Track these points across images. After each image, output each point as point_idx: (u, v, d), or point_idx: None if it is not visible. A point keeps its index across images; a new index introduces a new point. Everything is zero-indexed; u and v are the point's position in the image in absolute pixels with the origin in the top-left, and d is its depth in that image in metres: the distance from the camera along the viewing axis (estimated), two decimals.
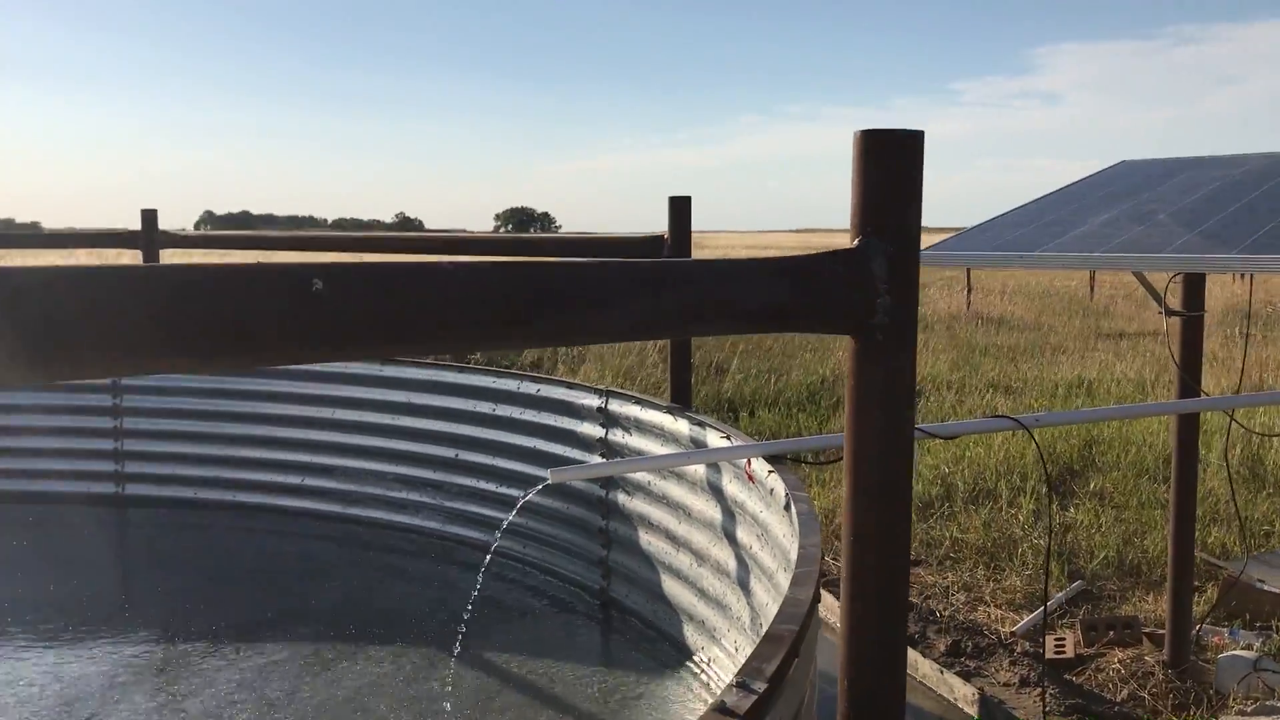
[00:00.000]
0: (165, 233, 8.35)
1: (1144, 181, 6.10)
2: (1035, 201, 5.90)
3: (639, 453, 5.91)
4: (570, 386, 6.58)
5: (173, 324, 1.24)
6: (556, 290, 1.52)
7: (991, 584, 7.02)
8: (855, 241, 2.01)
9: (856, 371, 2.03)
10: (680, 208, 5.88)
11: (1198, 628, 5.85)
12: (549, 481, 4.56)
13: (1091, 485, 9.15)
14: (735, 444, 4.69)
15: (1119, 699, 5.34)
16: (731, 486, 4.91)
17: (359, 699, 5.24)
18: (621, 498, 6.09)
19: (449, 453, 7.37)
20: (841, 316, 1.96)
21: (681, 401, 5.94)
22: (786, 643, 2.32)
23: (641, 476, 5.83)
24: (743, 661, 4.81)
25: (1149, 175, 6.27)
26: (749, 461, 4.50)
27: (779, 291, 1.83)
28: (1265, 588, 6.35)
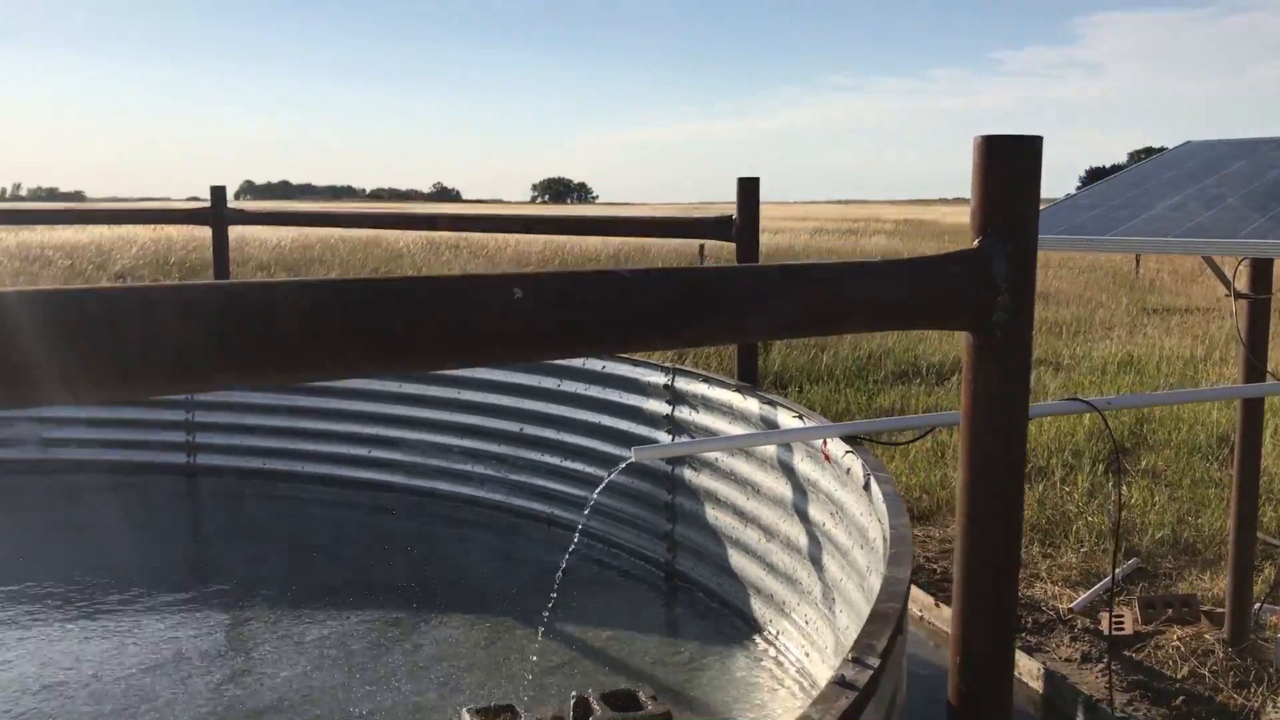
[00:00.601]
0: (234, 209, 8.53)
1: (1210, 163, 6.13)
2: (1102, 183, 5.95)
3: (707, 430, 6.04)
4: (635, 363, 6.71)
5: (392, 333, 1.38)
6: (723, 294, 1.64)
7: (1047, 561, 7.11)
8: (976, 242, 2.12)
9: (975, 366, 2.14)
10: (748, 189, 5.98)
11: (1257, 606, 5.92)
12: (631, 460, 4.70)
13: (1144, 463, 9.19)
14: (815, 424, 4.81)
15: (1180, 676, 5.44)
16: (804, 465, 5.03)
17: (441, 662, 5.44)
18: (688, 474, 6.22)
19: (514, 427, 7.54)
20: (964, 314, 2.07)
21: (748, 379, 6.06)
22: (893, 620, 2.45)
23: (709, 454, 5.96)
24: (813, 635, 4.94)
25: (1215, 156, 6.29)
26: (825, 441, 4.61)
27: (911, 290, 1.94)
28: None
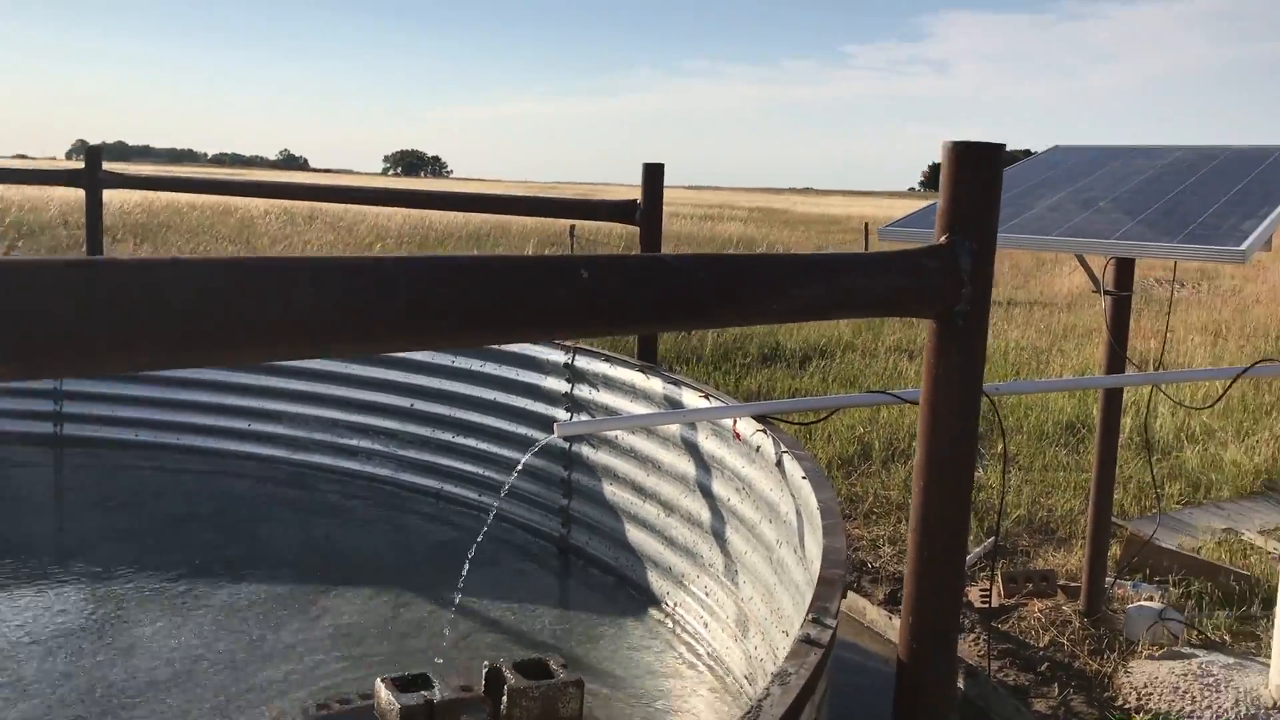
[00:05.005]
0: (110, 172, 8.24)
1: (1078, 168, 6.57)
2: None
3: (607, 409, 6.17)
4: (535, 341, 6.77)
5: (471, 307, 1.48)
6: (753, 279, 1.79)
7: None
8: (944, 239, 2.32)
9: (938, 351, 2.34)
10: (653, 174, 6.13)
11: (1109, 580, 6.40)
12: (555, 437, 4.81)
13: (998, 448, 9.73)
14: (729, 404, 5.00)
15: (1042, 644, 5.86)
16: (709, 443, 5.22)
17: (341, 634, 5.45)
18: (586, 450, 6.35)
19: (404, 402, 7.53)
20: (935, 304, 2.27)
21: (648, 359, 6.22)
22: (839, 585, 2.65)
23: (609, 431, 6.10)
24: (713, 606, 5.15)
25: (1081, 162, 6.74)
26: (735, 420, 4.81)
27: (897, 281, 2.13)
28: (1163, 545, 6.97)
